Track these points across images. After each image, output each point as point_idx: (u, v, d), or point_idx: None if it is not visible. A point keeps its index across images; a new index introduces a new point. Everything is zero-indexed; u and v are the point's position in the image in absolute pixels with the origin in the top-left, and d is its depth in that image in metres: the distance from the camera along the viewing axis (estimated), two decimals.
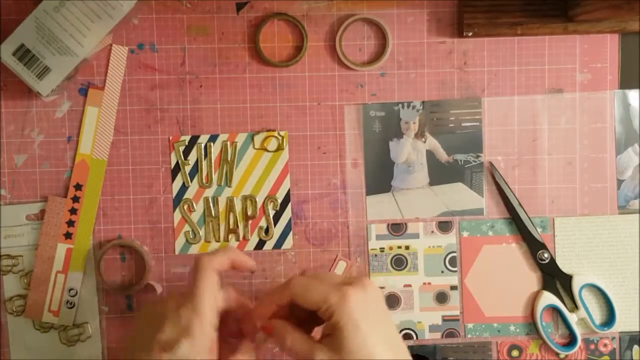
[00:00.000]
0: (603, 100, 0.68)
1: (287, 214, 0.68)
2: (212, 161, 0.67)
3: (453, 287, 0.68)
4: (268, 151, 0.67)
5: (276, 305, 0.55)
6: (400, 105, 0.68)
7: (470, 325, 0.69)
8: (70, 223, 0.66)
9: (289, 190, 0.68)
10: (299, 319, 0.56)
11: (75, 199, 0.66)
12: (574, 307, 0.68)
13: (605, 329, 0.68)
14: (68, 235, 0.66)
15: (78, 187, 0.66)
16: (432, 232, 0.68)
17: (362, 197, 0.68)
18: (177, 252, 0.68)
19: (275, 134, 0.67)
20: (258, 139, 0.67)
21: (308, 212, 0.68)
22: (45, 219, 0.66)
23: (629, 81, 0.68)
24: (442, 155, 0.68)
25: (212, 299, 0.53)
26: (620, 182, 0.69)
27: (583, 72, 0.68)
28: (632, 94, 0.68)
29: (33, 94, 0.66)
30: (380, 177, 0.68)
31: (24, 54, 0.61)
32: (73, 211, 0.66)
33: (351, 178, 0.68)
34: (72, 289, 0.67)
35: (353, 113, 0.68)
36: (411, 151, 0.68)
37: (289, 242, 0.68)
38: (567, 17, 0.65)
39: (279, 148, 0.67)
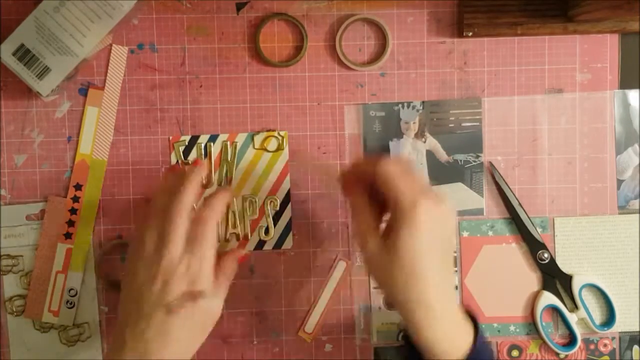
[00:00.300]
0: (603, 100, 0.68)
1: (287, 214, 0.68)
2: (212, 161, 0.67)
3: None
4: (268, 151, 0.67)
5: (359, 173, 0.57)
6: (400, 105, 0.68)
7: None
8: (70, 223, 0.66)
9: (289, 190, 0.68)
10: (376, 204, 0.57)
11: (75, 199, 0.66)
12: (574, 307, 0.68)
13: (605, 329, 0.68)
14: (68, 235, 0.66)
15: (78, 187, 0.66)
16: None
17: None
18: None
19: (275, 134, 0.67)
20: (258, 139, 0.67)
21: (308, 212, 0.68)
22: (45, 219, 0.66)
23: (629, 81, 0.68)
24: (442, 155, 0.68)
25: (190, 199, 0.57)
26: (620, 182, 0.68)
27: (583, 72, 0.68)
28: (632, 94, 0.68)
29: (33, 94, 0.66)
30: None
31: (24, 54, 0.61)
32: (73, 211, 0.66)
33: None
34: (72, 289, 0.67)
35: (353, 113, 0.68)
36: (411, 151, 0.68)
37: (289, 242, 0.68)
38: (567, 17, 0.65)
39: (279, 148, 0.67)
